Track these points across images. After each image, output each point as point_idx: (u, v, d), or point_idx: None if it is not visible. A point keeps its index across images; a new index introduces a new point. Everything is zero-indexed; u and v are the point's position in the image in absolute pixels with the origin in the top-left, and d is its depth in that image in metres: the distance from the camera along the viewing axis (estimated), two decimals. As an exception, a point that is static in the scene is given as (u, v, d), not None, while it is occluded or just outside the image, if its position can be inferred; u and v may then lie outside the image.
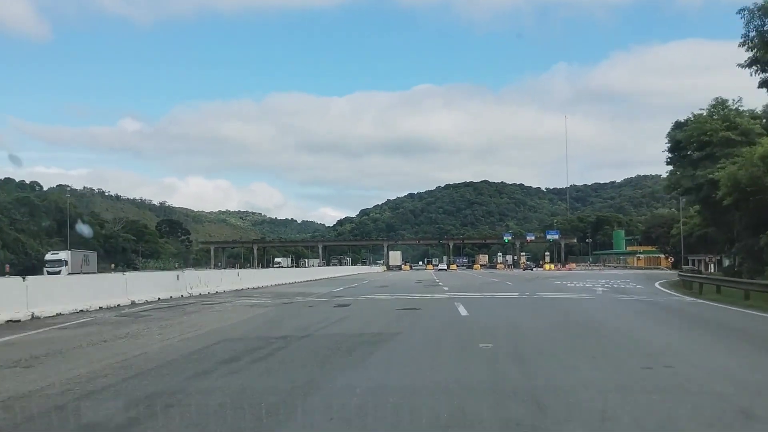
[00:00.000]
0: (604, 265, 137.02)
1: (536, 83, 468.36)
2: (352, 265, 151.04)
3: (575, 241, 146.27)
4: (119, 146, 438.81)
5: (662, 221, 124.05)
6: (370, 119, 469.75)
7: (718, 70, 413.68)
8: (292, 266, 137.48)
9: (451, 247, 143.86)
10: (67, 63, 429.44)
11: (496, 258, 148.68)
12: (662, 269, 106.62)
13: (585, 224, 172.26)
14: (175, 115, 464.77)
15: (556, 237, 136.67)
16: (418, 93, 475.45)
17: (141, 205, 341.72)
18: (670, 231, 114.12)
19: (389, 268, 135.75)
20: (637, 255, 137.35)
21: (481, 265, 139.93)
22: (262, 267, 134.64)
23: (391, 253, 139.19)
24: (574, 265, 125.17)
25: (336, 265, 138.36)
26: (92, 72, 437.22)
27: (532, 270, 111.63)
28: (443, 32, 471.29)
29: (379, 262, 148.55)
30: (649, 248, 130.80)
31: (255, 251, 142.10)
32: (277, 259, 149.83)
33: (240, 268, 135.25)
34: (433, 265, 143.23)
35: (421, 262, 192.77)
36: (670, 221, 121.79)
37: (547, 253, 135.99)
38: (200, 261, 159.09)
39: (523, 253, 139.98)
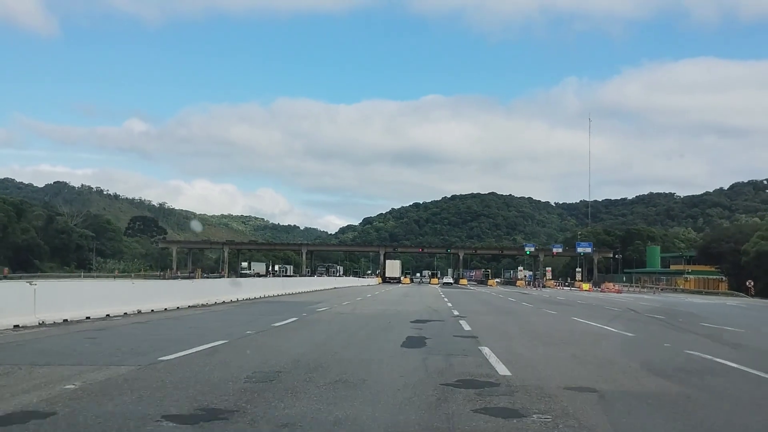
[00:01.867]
0: (644, 287, 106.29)
1: (546, 96, 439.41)
2: (343, 275, 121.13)
3: (612, 255, 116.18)
4: (126, 147, 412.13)
5: (727, 235, 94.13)
6: (378, 128, 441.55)
7: (730, 88, 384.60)
8: (265, 275, 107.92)
9: (461, 257, 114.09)
10: (75, 61, 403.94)
11: (515, 273, 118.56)
12: (729, 294, 76.44)
13: (612, 238, 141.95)
14: (183, 117, 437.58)
15: (589, 250, 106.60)
16: (426, 103, 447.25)
17: (140, 205, 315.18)
18: (740, 248, 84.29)
19: (385, 280, 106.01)
20: (685, 276, 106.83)
21: (497, 281, 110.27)
22: (231, 274, 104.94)
23: (388, 262, 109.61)
24: (611, 285, 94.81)
25: (322, 274, 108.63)
26: (100, 71, 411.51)
27: (536, 287, 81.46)
28: (453, 42, 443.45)
29: (369, 272, 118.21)
30: (706, 268, 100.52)
31: (225, 254, 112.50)
32: (243, 264, 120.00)
33: (202, 275, 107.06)
34: (438, 279, 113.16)
35: (420, 274, 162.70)
36: (737, 235, 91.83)
37: (578, 269, 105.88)
38: (181, 263, 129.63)
39: (548, 268, 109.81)
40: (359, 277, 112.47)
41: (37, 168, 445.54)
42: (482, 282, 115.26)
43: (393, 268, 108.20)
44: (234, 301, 29.80)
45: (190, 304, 24.78)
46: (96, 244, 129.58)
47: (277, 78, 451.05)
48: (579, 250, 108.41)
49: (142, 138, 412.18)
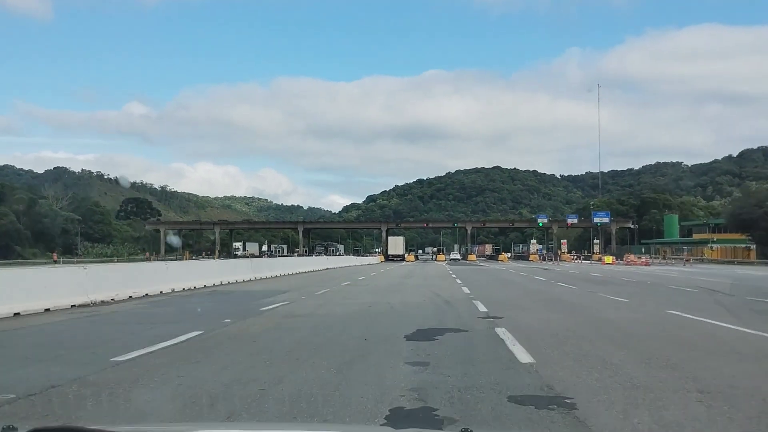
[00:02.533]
0: (666, 258, 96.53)
1: (549, 68, 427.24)
2: (344, 254, 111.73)
3: (631, 225, 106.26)
4: (127, 131, 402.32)
5: (759, 199, 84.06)
6: (379, 105, 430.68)
7: (735, 55, 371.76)
8: (259, 255, 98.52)
9: (468, 232, 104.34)
10: (70, 44, 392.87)
11: (526, 247, 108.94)
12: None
13: (627, 207, 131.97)
14: (182, 99, 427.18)
15: (606, 220, 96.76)
16: (427, 78, 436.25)
17: (141, 188, 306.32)
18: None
19: (388, 258, 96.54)
20: (710, 245, 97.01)
21: (509, 257, 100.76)
22: (225, 255, 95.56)
23: (390, 239, 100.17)
24: (633, 256, 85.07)
25: (321, 254, 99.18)
26: (96, 54, 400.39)
27: (551, 261, 71.97)
28: (454, 15, 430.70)
29: (377, 250, 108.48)
30: (735, 236, 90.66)
31: (217, 234, 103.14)
32: (236, 245, 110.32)
33: (191, 257, 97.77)
34: (445, 256, 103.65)
35: (423, 251, 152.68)
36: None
37: (596, 241, 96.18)
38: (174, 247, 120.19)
39: (564, 240, 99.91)
40: (360, 255, 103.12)
41: (38, 155, 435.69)
42: (492, 257, 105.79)
43: (396, 245, 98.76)
44: (168, 293, 20.51)
45: (83, 302, 15.48)
46: (83, 228, 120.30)
47: (276, 56, 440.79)
48: (596, 220, 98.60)
49: (143, 121, 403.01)
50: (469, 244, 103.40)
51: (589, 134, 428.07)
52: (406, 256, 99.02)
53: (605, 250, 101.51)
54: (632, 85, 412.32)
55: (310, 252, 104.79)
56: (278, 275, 35.63)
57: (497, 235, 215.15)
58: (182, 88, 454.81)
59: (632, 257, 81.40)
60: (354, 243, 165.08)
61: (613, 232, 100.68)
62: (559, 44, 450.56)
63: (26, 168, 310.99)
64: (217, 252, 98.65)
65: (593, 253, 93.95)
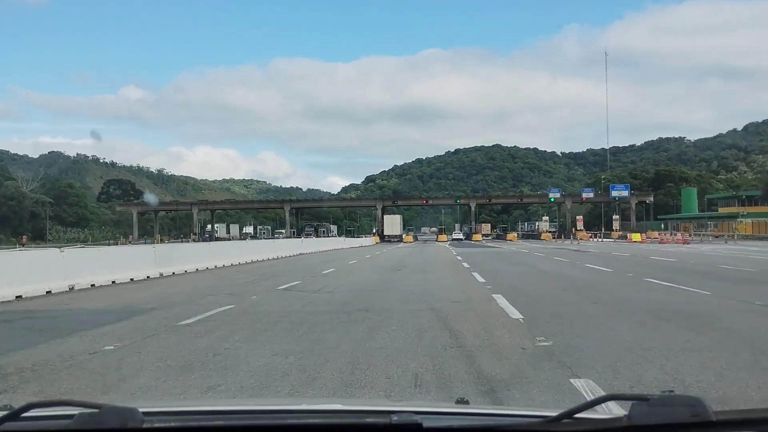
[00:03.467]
0: (692, 235, 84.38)
1: (548, 46, 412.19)
2: (336, 236, 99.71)
3: (651, 199, 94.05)
4: (125, 115, 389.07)
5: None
6: (377, 85, 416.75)
7: (735, 30, 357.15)
8: (242, 238, 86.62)
9: (472, 209, 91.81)
10: (64, 27, 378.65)
11: (535, 225, 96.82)
12: None
13: (640, 181, 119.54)
14: (179, 82, 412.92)
15: (626, 194, 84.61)
16: (425, 57, 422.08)
17: (138, 172, 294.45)
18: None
19: (384, 239, 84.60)
20: (740, 219, 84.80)
21: (518, 235, 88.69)
22: (204, 238, 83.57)
23: (386, 218, 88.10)
24: (657, 233, 73.05)
25: (310, 235, 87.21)
26: (91, 37, 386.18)
27: (566, 240, 60.17)
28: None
29: (374, 231, 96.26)
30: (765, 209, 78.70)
31: (195, 215, 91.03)
32: (216, 227, 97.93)
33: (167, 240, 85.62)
34: (447, 235, 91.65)
35: (422, 231, 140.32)
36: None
37: (615, 217, 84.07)
38: (163, 229, 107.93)
39: (579, 217, 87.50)
40: (353, 236, 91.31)
41: (37, 140, 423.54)
42: (500, 237, 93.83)
43: (392, 224, 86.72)
44: None
45: None
46: (56, 212, 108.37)
47: (272, 38, 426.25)
48: (614, 194, 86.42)
49: (140, 105, 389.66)
50: (473, 223, 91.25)
51: (590, 112, 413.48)
52: (404, 236, 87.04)
53: (621, 226, 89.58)
54: (632, 61, 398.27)
55: (299, 233, 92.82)
56: (198, 269, 23.52)
57: (500, 213, 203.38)
58: (179, 71, 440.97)
59: (664, 234, 69.35)
60: (351, 224, 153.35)
61: (633, 206, 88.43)
62: (557, 20, 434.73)
63: (21, 153, 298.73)
64: (192, 235, 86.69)
65: (613, 230, 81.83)
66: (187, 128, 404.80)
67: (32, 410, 1.60)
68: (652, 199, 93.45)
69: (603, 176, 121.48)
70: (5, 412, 1.61)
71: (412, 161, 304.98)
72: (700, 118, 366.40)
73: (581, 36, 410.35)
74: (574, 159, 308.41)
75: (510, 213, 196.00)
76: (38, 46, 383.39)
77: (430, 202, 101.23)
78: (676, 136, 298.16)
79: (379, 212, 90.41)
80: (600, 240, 72.82)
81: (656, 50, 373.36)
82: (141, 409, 1.56)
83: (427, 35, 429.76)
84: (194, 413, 1.89)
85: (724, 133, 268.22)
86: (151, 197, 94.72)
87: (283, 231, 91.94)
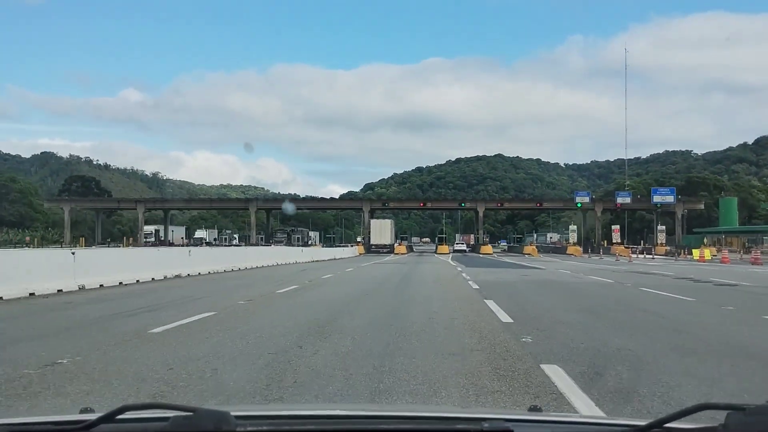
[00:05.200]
0: (742, 252, 64.34)
1: (551, 57, 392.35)
2: (317, 244, 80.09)
3: (702, 207, 74.38)
4: (123, 117, 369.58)
5: None
6: (379, 93, 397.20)
7: (740, 44, 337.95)
8: (187, 244, 66.87)
9: (480, 215, 71.65)
10: (63, 28, 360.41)
11: (556, 235, 76.89)
12: None
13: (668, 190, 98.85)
14: (178, 85, 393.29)
15: (670, 199, 65.04)
16: (427, 66, 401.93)
17: (132, 175, 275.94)
18: None
19: (370, 249, 65.03)
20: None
21: (538, 248, 68.58)
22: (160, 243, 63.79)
23: (374, 223, 68.28)
24: (714, 250, 53.33)
25: (281, 242, 67.76)
26: (90, 38, 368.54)
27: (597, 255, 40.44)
28: (454, 1, 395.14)
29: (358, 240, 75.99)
30: None
31: (141, 215, 71.29)
32: (148, 229, 77.13)
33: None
34: (449, 246, 71.86)
35: (421, 240, 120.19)
36: None
37: (661, 228, 64.41)
38: (134, 230, 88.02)
39: (616, 227, 67.32)
40: (334, 246, 71.95)
41: (35, 142, 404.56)
42: (513, 249, 74.15)
43: (381, 231, 67.04)
44: None
45: None
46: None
47: (273, 43, 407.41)
48: (656, 199, 66.84)
49: (139, 108, 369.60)
50: (480, 232, 71.48)
51: (593, 123, 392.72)
52: (395, 246, 67.40)
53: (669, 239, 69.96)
54: (635, 73, 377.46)
55: (268, 239, 73.22)
56: None
57: (504, 223, 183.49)
58: (178, 75, 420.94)
59: (726, 251, 49.42)
60: (335, 231, 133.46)
61: (679, 215, 68.69)
62: (561, 31, 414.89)
63: (13, 153, 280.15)
64: (141, 238, 67.19)
65: (658, 243, 62.12)
66: (186, 132, 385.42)
67: (126, 413, 1.58)
68: (702, 206, 73.75)
69: (627, 182, 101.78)
70: (100, 414, 1.58)
71: (412, 170, 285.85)
72: (702, 133, 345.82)
73: (585, 47, 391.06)
74: (577, 171, 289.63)
75: (515, 223, 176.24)
76: (37, 46, 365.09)
77: (429, 205, 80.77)
78: (683, 150, 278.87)
79: (366, 216, 70.70)
80: (650, 257, 53.13)
81: (660, 63, 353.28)
82: (233, 413, 1.53)
83: (429, 44, 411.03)
84: (286, 418, 1.85)
85: (735, 146, 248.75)
86: (289, 206, 72.85)
87: (237, 236, 72.12)
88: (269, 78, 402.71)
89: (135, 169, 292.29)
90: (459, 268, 28.50)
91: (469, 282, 18.61)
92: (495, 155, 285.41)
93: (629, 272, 26.96)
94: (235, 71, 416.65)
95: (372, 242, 66.49)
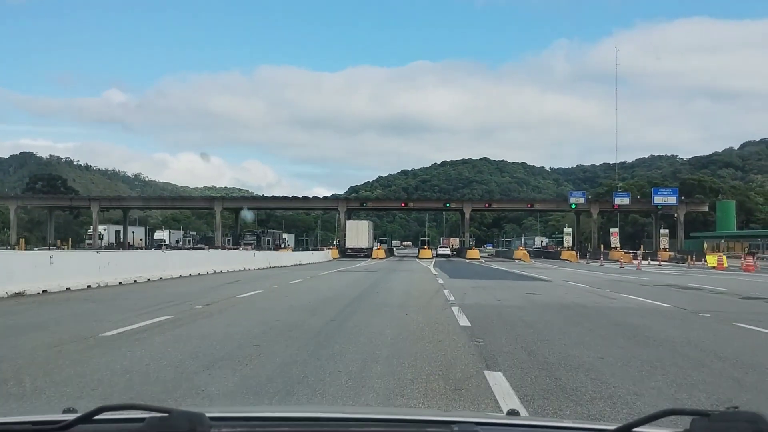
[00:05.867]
0: (746, 258, 57.83)
1: (536, 61, 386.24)
2: (292, 246, 73.26)
3: (706, 208, 68.15)
4: (106, 118, 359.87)
5: None
6: (365, 96, 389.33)
7: (725, 50, 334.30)
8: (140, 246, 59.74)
9: (466, 216, 64.78)
10: (46, 27, 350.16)
11: (552, 242, 70.19)
12: None
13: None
14: (163, 86, 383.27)
15: (673, 201, 58.82)
16: (413, 69, 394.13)
17: (113, 176, 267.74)
18: None
19: (345, 253, 58.20)
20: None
21: (530, 251, 61.74)
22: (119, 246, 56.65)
23: (350, 224, 61.25)
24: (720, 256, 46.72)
25: (250, 246, 60.83)
26: (73, 37, 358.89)
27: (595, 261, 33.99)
28: (440, 3, 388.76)
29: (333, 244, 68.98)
30: None
31: (95, 215, 63.85)
32: (100, 229, 69.15)
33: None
34: (432, 250, 65.15)
35: (402, 244, 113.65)
36: None
37: (663, 231, 57.98)
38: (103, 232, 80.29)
39: (614, 230, 60.83)
40: (308, 249, 65.20)
41: (16, 142, 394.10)
42: (502, 254, 67.57)
43: (357, 233, 60.04)
44: None
45: None
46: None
47: (258, 45, 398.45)
48: (657, 200, 60.55)
49: (122, 109, 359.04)
50: (466, 234, 64.74)
51: (577, 128, 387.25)
52: (374, 249, 60.56)
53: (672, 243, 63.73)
54: (620, 78, 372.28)
55: (236, 242, 66.16)
56: None
57: (490, 227, 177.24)
58: (162, 76, 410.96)
59: (748, 259, 43.03)
60: (326, 234, 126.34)
61: (680, 218, 62.34)
62: (547, 35, 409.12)
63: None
64: (96, 240, 59.91)
65: (661, 249, 55.69)
66: (170, 134, 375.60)
67: (103, 413, 1.57)
68: (707, 208, 67.53)
69: (620, 184, 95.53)
70: (78, 415, 1.58)
71: (398, 173, 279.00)
72: (688, 138, 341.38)
73: (570, 52, 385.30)
74: (563, 175, 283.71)
75: (502, 227, 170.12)
76: (19, 45, 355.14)
77: (411, 205, 73.42)
78: (669, 154, 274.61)
79: (342, 217, 63.77)
80: (655, 263, 46.58)
81: (645, 68, 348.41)
82: (208, 414, 1.51)
83: (416, 47, 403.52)
84: (261, 419, 1.83)
85: (720, 151, 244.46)
86: (248, 213, 67.77)
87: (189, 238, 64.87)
88: (254, 80, 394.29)
89: (117, 170, 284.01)
90: (441, 280, 21.74)
91: (453, 308, 11.84)
92: (481, 158, 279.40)
93: (661, 286, 20.35)
94: (219, 73, 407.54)
95: (347, 245, 59.57)
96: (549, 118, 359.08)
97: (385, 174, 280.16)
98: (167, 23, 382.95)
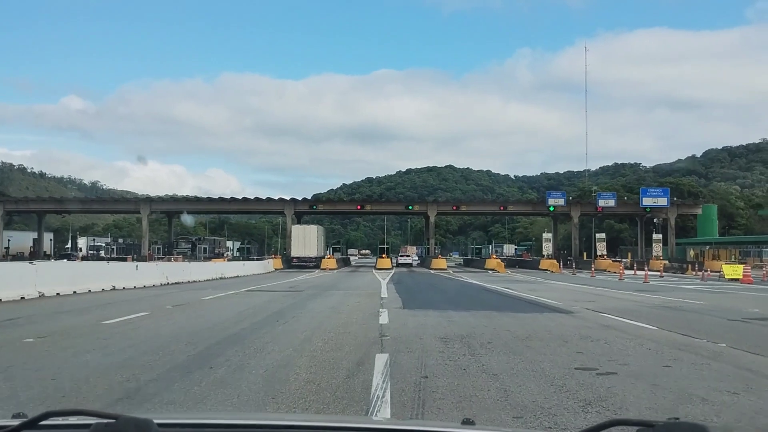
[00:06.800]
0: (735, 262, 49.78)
1: (500, 70, 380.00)
2: (234, 254, 63.51)
3: (699, 211, 59.98)
4: (65, 125, 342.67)
5: None
6: (329, 104, 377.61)
7: (684, 60, 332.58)
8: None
9: (431, 221, 55.19)
10: (3, 33, 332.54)
11: (523, 250, 61.45)
12: None
13: (637, 195, 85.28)
14: (123, 93, 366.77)
15: (664, 202, 50.60)
16: (378, 78, 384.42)
17: (69, 183, 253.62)
18: None
19: (291, 262, 48.64)
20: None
21: (506, 260, 52.42)
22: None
23: (295, 230, 51.47)
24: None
25: (183, 255, 50.90)
26: (30, 42, 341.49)
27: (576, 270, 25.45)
28: (405, 11, 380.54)
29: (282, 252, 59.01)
30: None
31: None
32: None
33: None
34: (391, 259, 55.85)
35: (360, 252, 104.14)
36: None
37: (656, 236, 49.44)
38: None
39: (601, 235, 52.17)
40: (249, 258, 55.32)
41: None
42: (472, 263, 58.45)
43: (305, 239, 50.24)
44: None
45: None
46: None
47: (220, 52, 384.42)
48: (645, 201, 52.25)
49: (82, 116, 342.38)
50: (432, 242, 55.27)
51: (540, 137, 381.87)
52: (325, 257, 50.97)
53: (643, 253, 55.59)
54: (583, 88, 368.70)
55: (169, 249, 56.01)
56: None
57: (456, 234, 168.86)
58: (123, 83, 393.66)
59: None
60: (282, 242, 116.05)
61: (672, 221, 54.11)
62: (510, 45, 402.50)
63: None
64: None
65: (653, 257, 47.30)
66: (131, 141, 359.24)
67: (50, 419, 1.54)
68: (700, 211, 59.46)
69: (593, 187, 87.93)
70: (23, 420, 1.55)
71: (362, 180, 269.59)
72: (650, 146, 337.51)
73: (533, 61, 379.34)
74: (527, 182, 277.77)
75: (468, 234, 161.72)
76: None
77: (369, 208, 62.71)
78: (632, 162, 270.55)
79: (288, 222, 54.14)
80: (659, 275, 37.92)
81: (605, 77, 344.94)
82: (156, 420, 1.47)
83: (380, 55, 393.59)
84: (208, 426, 1.81)
85: (683, 159, 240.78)
86: (188, 218, 58.22)
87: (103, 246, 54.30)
88: (217, 87, 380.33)
89: (73, 177, 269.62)
90: (384, 316, 12.39)
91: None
92: (446, 166, 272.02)
93: (714, 317, 11.37)
94: (181, 79, 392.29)
95: (293, 254, 49.88)
96: (513, 127, 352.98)
97: (349, 182, 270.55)
98: (128, 29, 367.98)
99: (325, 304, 14.86)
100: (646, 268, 42.70)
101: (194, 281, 27.66)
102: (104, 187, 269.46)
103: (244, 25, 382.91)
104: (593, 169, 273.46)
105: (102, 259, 48.00)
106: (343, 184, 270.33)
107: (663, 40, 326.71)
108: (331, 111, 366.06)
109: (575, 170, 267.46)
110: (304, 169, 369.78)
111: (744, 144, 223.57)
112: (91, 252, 58.51)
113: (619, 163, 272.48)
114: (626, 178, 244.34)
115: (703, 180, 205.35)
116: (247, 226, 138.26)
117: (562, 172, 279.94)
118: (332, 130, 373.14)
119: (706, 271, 37.15)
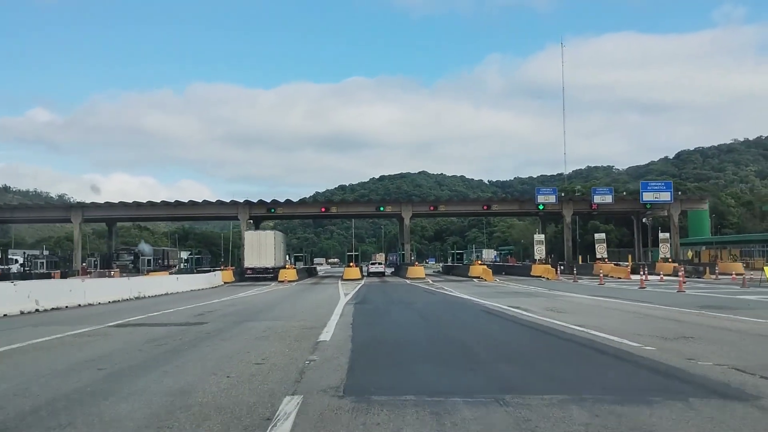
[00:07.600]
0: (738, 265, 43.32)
1: (470, 76, 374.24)
2: (193, 267, 55.59)
3: (706, 206, 53.34)
4: (31, 138, 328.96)
5: None
6: (301, 112, 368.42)
7: (653, 64, 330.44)
8: None
9: (406, 224, 47.83)
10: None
11: (505, 255, 54.38)
12: None
13: (624, 193, 78.82)
14: (91, 105, 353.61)
15: (668, 197, 43.72)
16: (349, 85, 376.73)
17: (35, 197, 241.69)
18: None
19: (245, 273, 40.86)
20: None
21: (491, 264, 45.00)
22: None
23: (248, 236, 43.63)
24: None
25: (124, 266, 42.63)
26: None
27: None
28: (374, 18, 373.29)
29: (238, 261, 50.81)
30: None
31: None
32: None
33: None
34: (360, 267, 48.27)
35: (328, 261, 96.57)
36: None
37: (664, 236, 42.54)
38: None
39: (601, 235, 45.08)
40: (198, 269, 47.42)
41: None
42: (453, 270, 50.88)
43: (260, 247, 42.38)
44: None
45: None
46: None
47: (189, 61, 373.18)
48: (646, 197, 45.44)
49: (48, 129, 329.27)
50: (407, 247, 47.47)
51: (512, 143, 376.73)
52: (285, 266, 43.11)
53: (642, 252, 48.91)
54: (553, 92, 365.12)
55: (108, 263, 47.71)
56: None
57: (432, 240, 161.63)
58: (90, 94, 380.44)
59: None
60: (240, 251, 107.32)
61: (675, 219, 47.34)
62: (480, 50, 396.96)
63: None
64: None
65: (661, 258, 40.35)
66: (100, 154, 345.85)
67: None
68: (706, 206, 52.85)
69: (578, 186, 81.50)
70: None
71: (335, 188, 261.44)
72: (621, 149, 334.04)
73: (503, 66, 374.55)
74: (501, 187, 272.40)
75: (444, 240, 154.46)
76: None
77: (335, 210, 53.51)
78: (605, 165, 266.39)
79: (243, 227, 46.29)
80: (680, 279, 30.98)
81: (575, 82, 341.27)
82: None
83: (351, 63, 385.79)
84: None
85: (656, 160, 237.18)
86: (145, 247, 51.33)
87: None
88: (187, 97, 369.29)
89: (39, 191, 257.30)
90: (296, 410, 4.94)
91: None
92: (419, 172, 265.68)
93: None
94: (150, 90, 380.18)
95: (247, 264, 42.05)
96: (485, 132, 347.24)
97: (322, 190, 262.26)
98: (93, 40, 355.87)
99: (172, 383, 7.13)
100: (661, 273, 35.72)
101: (87, 305, 19.86)
102: (72, 200, 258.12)
103: (213, 34, 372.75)
104: (566, 173, 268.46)
105: (5, 276, 39.52)
106: (316, 192, 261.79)
107: (631, 44, 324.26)
108: (303, 119, 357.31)
109: (549, 174, 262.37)
110: (276, 179, 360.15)
111: (716, 145, 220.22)
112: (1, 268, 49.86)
113: (592, 166, 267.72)
114: (599, 181, 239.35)
115: (678, 180, 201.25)
116: (212, 235, 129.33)
117: (535, 176, 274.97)
118: (304, 139, 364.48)
119: (718, 275, 30.30)
